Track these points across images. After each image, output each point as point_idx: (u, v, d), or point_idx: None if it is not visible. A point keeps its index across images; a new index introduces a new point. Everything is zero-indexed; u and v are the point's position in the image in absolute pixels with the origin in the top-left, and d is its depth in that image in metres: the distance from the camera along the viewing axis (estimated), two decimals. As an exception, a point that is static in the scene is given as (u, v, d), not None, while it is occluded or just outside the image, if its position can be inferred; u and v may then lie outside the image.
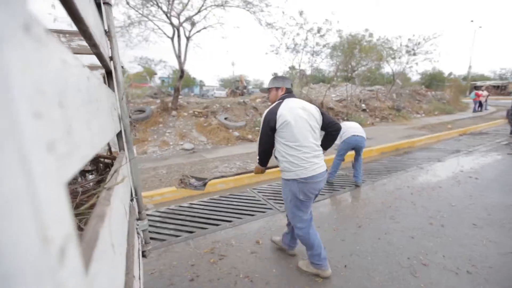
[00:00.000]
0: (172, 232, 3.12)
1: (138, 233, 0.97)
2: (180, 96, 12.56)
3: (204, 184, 2.74)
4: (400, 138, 8.09)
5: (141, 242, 1.02)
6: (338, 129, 2.09)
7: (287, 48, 10.82)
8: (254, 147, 7.32)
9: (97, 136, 0.51)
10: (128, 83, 17.22)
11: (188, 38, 8.92)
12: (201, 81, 30.89)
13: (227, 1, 7.76)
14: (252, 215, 3.53)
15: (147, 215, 3.68)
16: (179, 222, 3.36)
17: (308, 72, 12.19)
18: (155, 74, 20.05)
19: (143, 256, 1.07)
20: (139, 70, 18.81)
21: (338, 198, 4.09)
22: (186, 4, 7.54)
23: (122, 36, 8.24)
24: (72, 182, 0.99)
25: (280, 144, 1.96)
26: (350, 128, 4.33)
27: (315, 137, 1.99)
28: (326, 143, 2.17)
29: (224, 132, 8.22)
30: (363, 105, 12.25)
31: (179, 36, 7.96)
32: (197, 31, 8.85)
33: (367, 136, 4.50)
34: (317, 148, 1.98)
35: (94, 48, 0.73)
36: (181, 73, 8.77)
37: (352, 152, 4.48)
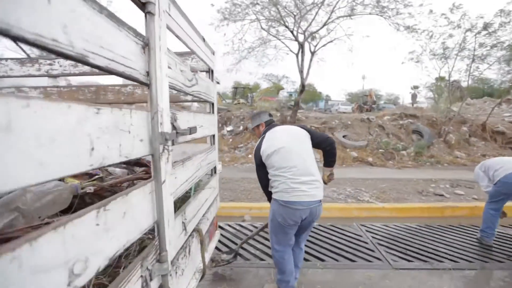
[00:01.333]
0: (258, 253, 2.97)
1: (149, 277, 0.81)
2: (301, 111, 12.78)
3: (235, 256, 2.56)
4: None
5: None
6: (331, 143, 2.08)
7: (433, 54, 8.63)
8: (373, 173, 6.19)
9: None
10: (259, 97, 19.41)
11: (313, 53, 8.89)
12: (327, 95, 30.47)
13: (355, 10, 7.10)
14: (353, 260, 2.83)
15: (242, 226, 3.78)
16: (268, 243, 3.17)
17: (465, 83, 9.21)
18: (282, 88, 21.54)
19: None
20: (269, 85, 20.79)
21: (498, 274, 2.61)
22: (312, 20, 7.52)
23: (254, 56, 9.29)
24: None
25: (270, 172, 1.97)
26: (510, 163, 2.75)
27: (305, 158, 1.91)
28: (328, 160, 2.17)
29: (339, 151, 7.47)
30: None
31: (302, 51, 8.05)
32: (323, 46, 8.66)
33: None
34: (308, 173, 1.88)
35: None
36: (302, 88, 8.81)
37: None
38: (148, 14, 0.78)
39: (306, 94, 29.14)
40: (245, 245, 3.03)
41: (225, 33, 8.71)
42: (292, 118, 9.34)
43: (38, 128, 0.43)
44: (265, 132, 2.05)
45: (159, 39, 0.89)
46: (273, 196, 1.92)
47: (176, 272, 1.07)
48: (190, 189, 1.52)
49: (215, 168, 1.91)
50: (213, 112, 1.86)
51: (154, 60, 0.79)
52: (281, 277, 2.04)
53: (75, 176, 1.20)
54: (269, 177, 1.97)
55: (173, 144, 1.03)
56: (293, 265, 2.07)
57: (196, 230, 1.36)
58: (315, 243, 3.16)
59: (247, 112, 11.34)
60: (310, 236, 3.35)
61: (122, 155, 0.68)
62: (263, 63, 10.24)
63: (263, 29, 8.63)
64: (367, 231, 3.51)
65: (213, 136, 1.88)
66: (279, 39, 8.61)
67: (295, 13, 7.30)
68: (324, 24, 7.74)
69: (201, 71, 1.87)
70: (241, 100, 19.23)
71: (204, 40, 1.57)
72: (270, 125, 2.11)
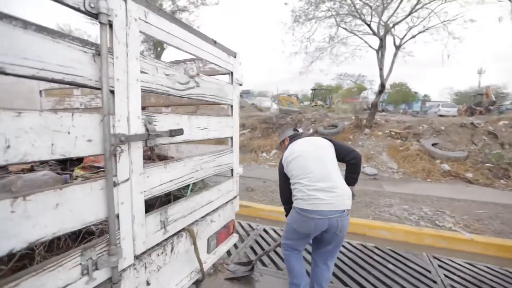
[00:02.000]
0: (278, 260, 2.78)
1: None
2: (382, 113, 11.29)
3: (252, 268, 2.47)
4: None
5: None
6: (356, 156, 1.93)
7: None
8: (470, 192, 4.85)
9: None
10: (338, 98, 18.22)
11: (398, 47, 7.69)
12: (425, 95, 25.82)
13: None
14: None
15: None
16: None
17: None
18: (365, 89, 19.52)
19: None
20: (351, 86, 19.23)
21: None
22: (397, 8, 6.48)
23: (328, 55, 8.78)
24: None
25: (291, 181, 1.90)
26: None
27: (324, 164, 1.82)
28: (349, 176, 1.98)
29: (425, 162, 6.20)
30: None
31: (383, 46, 7.06)
32: (412, 37, 7.36)
33: None
34: (327, 179, 1.75)
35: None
36: (381, 88, 7.75)
37: None
38: (100, 24, 0.84)
39: (397, 95, 25.44)
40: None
41: (293, 33, 8.56)
42: (369, 122, 8.34)
43: None
44: (288, 146, 2.05)
45: (124, 46, 0.95)
46: (293, 204, 1.85)
47: (145, 268, 1.12)
48: (187, 188, 1.57)
49: (232, 170, 1.90)
50: (232, 115, 1.85)
51: (105, 66, 0.85)
52: (290, 279, 2.00)
53: (83, 168, 1.42)
54: (291, 187, 1.89)
55: (146, 145, 1.09)
56: (304, 270, 1.99)
57: (187, 230, 1.39)
58: (365, 268, 2.71)
59: (320, 114, 10.86)
60: (356, 256, 2.91)
61: (56, 153, 0.76)
62: (338, 62, 9.56)
63: (340, 26, 8.05)
64: (439, 266, 2.78)
65: (231, 138, 1.87)
66: (356, 35, 7.83)
67: (371, 4, 6.47)
68: (411, 12, 6.55)
69: (221, 74, 1.91)
70: (319, 102, 18.54)
71: (215, 43, 1.58)
72: (294, 138, 2.10)
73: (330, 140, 1.99)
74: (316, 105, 16.85)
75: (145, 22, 1.05)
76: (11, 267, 0.84)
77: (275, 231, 3.52)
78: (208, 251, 1.71)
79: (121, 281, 0.99)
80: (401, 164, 6.45)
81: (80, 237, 1.04)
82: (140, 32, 1.03)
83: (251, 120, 11.27)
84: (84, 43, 0.82)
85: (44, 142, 0.73)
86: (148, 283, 1.20)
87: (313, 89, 21.08)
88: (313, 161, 1.81)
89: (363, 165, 6.70)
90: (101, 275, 0.91)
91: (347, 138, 8.15)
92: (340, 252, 3.00)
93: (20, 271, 0.71)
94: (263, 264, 2.74)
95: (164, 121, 1.18)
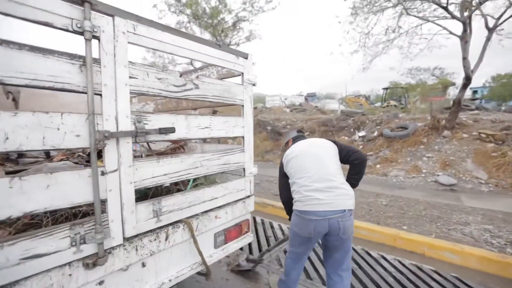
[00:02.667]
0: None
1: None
2: (475, 111, 9.27)
3: (256, 265, 2.59)
4: None
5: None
6: (359, 157, 1.83)
7: None
8: None
9: None
10: (416, 97, 15.84)
11: (492, 29, 6.21)
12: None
13: None
14: None
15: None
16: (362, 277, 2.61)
17: None
18: (453, 84, 16.31)
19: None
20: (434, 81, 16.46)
21: None
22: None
23: (398, 47, 7.82)
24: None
25: (290, 181, 1.87)
26: None
27: (322, 163, 1.76)
28: (350, 177, 1.88)
29: (530, 172, 4.77)
30: None
31: (465, 31, 5.83)
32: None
33: None
34: (325, 179, 1.68)
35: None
36: (466, 81, 6.40)
37: None
38: (85, 40, 1.03)
39: (503, 89, 20.18)
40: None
41: (348, 31, 7.96)
42: (450, 122, 6.98)
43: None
44: (291, 146, 2.04)
45: (112, 56, 1.13)
46: (293, 207, 1.80)
47: (136, 250, 1.26)
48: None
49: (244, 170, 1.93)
50: (243, 114, 1.89)
51: (90, 75, 1.03)
52: (285, 279, 1.94)
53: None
54: (290, 187, 1.86)
55: (135, 141, 1.24)
56: (299, 277, 1.95)
57: (184, 222, 1.49)
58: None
59: (388, 115, 9.71)
60: (405, 279, 2.48)
61: (46, 144, 0.96)
62: (412, 55, 8.36)
63: (409, 14, 7.09)
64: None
65: (243, 138, 1.91)
66: (431, 21, 6.71)
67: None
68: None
69: (233, 76, 1.97)
70: (392, 102, 16.50)
71: (220, 46, 1.66)
72: (297, 139, 2.10)
73: (334, 142, 1.93)
74: (388, 106, 15.06)
75: (134, 34, 1.21)
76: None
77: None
78: (215, 247, 1.77)
79: (110, 257, 1.15)
80: (493, 174, 5.15)
81: (80, 217, 1.27)
82: (129, 43, 1.19)
83: (310, 123, 10.97)
84: (72, 56, 1.02)
85: (36, 135, 0.94)
86: (143, 265, 1.35)
87: (385, 88, 18.91)
88: (310, 161, 1.78)
89: (439, 172, 5.64)
90: (88, 249, 1.08)
91: (419, 142, 7.02)
92: (385, 270, 2.62)
93: (17, 234, 0.93)
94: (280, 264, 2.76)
95: (157, 120, 1.32)
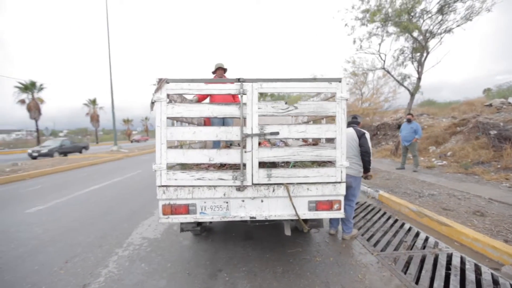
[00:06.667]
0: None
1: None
2: None
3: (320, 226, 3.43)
4: None
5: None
6: (366, 151, 3.38)
7: None
8: None
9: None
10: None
11: None
12: None
13: None
14: None
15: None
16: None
17: None
18: None
19: None
20: None
21: None
22: None
23: None
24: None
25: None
26: None
27: (348, 151, 3.26)
28: (363, 164, 3.48)
29: None
30: None
31: None
32: None
33: None
34: (348, 156, 3.14)
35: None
36: None
37: None
38: (241, 95, 2.52)
39: None
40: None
41: None
42: None
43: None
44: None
45: (251, 101, 2.54)
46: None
47: (257, 191, 2.61)
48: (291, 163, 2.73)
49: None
50: (335, 122, 2.65)
51: (241, 110, 2.50)
52: (351, 224, 3.72)
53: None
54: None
55: (260, 138, 2.58)
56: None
57: (284, 185, 2.61)
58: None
59: None
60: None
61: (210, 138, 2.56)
62: None
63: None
64: None
65: (335, 139, 2.65)
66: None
67: None
68: None
69: (331, 97, 2.76)
70: None
71: (314, 80, 2.61)
72: (349, 125, 3.56)
73: (359, 134, 3.40)
74: None
75: (261, 87, 2.55)
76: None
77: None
78: (308, 209, 2.71)
79: (246, 189, 2.58)
80: None
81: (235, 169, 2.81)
82: (259, 93, 2.55)
83: None
84: (236, 105, 2.55)
85: (205, 137, 2.57)
86: (262, 201, 2.67)
87: None
88: (349, 147, 3.30)
89: None
90: (238, 183, 2.58)
91: None
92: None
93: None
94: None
95: (271, 129, 2.58)
